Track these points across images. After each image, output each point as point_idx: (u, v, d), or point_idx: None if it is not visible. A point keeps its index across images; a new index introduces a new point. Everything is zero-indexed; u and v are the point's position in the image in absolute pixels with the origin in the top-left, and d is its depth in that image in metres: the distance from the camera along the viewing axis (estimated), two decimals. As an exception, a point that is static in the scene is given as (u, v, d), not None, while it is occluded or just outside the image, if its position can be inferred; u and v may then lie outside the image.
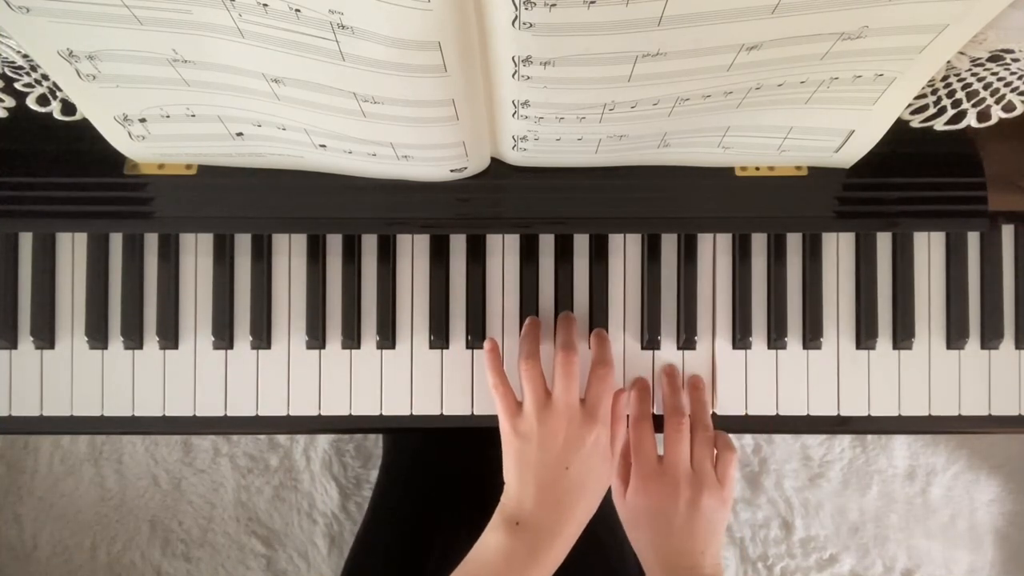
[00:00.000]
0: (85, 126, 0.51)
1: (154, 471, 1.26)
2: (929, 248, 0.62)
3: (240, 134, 0.51)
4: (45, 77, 0.51)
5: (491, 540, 0.53)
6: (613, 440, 0.57)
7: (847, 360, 0.62)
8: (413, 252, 0.62)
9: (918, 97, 0.53)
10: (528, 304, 0.61)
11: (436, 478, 0.82)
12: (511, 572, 0.51)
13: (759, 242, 0.62)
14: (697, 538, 0.56)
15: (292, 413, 0.61)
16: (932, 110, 0.54)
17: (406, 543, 0.75)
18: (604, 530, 0.73)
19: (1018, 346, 0.62)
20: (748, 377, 0.62)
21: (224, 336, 0.61)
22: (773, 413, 0.62)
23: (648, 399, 0.61)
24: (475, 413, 0.62)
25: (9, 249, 0.61)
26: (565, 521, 0.53)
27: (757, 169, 0.57)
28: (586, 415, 0.55)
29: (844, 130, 0.52)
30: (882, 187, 0.57)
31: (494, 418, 0.62)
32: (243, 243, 0.62)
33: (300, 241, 0.62)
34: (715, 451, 0.60)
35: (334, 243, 0.62)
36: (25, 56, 0.49)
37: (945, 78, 0.52)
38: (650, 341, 0.62)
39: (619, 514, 0.60)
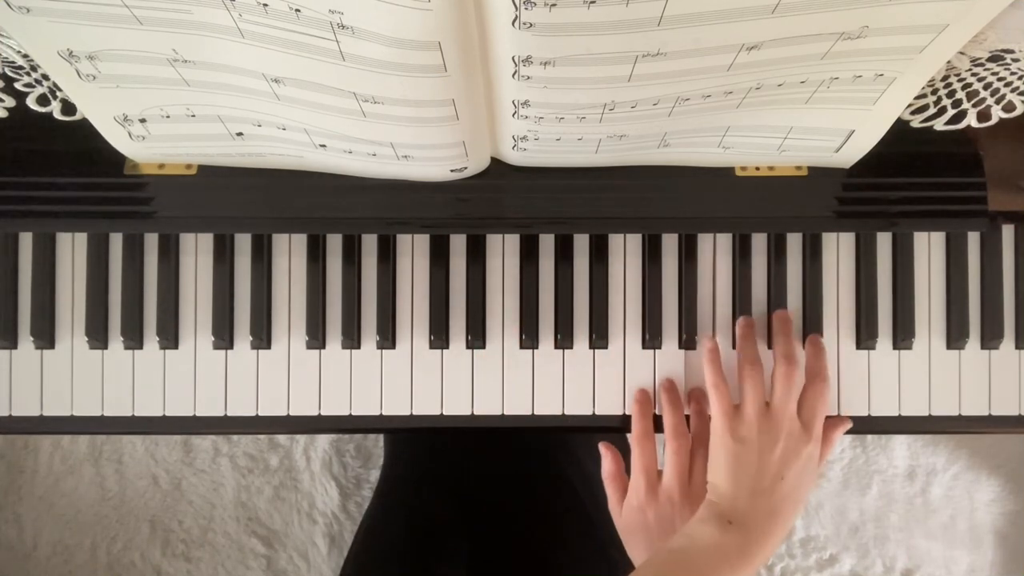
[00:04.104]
0: (85, 126, 0.51)
1: (154, 471, 1.26)
2: (929, 248, 0.62)
3: (240, 134, 0.51)
4: (45, 77, 0.51)
5: (703, 533, 0.53)
6: (821, 458, 0.58)
7: (847, 360, 0.62)
8: (413, 252, 0.62)
9: (918, 97, 0.53)
10: (528, 304, 0.61)
11: (437, 479, 0.82)
12: (724, 566, 0.51)
13: (759, 242, 0.62)
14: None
15: (292, 413, 0.61)
16: (932, 110, 0.54)
17: (408, 544, 0.75)
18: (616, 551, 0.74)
19: (1018, 346, 0.62)
20: (748, 377, 0.62)
21: (224, 336, 0.61)
22: (773, 413, 0.62)
23: (650, 416, 0.61)
24: (475, 413, 0.62)
25: (9, 249, 0.61)
26: (775, 527, 0.54)
27: (757, 169, 0.57)
28: (803, 429, 0.56)
29: (844, 130, 0.52)
30: (882, 187, 0.57)
31: (494, 419, 0.62)
32: (243, 243, 0.62)
33: (300, 241, 0.62)
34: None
35: (334, 243, 0.62)
36: (25, 56, 0.49)
37: (945, 78, 0.52)
38: (651, 341, 0.62)
39: (616, 526, 0.61)
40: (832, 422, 0.59)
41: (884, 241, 0.62)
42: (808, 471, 0.56)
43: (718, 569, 0.51)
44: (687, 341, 0.62)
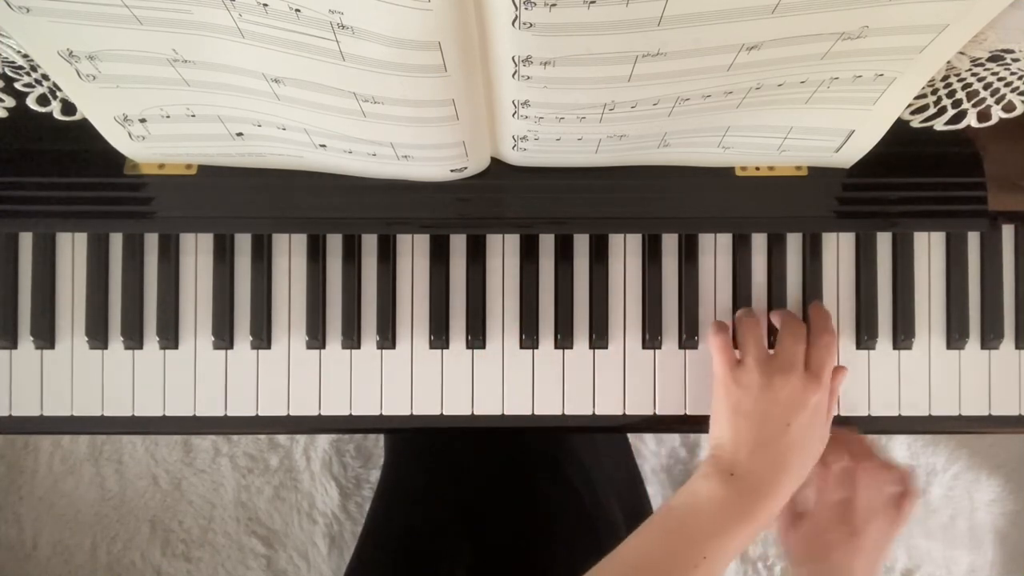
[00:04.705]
0: (85, 126, 0.51)
1: (154, 471, 1.26)
2: (929, 248, 0.62)
3: (240, 134, 0.51)
4: (45, 77, 0.51)
5: (702, 488, 0.50)
6: (828, 411, 0.55)
7: (847, 360, 0.62)
8: (413, 252, 0.62)
9: (918, 97, 0.53)
10: (528, 304, 0.61)
11: (437, 479, 0.82)
12: (725, 522, 0.49)
13: (759, 242, 0.62)
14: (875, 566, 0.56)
15: (292, 413, 0.61)
16: (932, 110, 0.54)
17: (409, 545, 0.75)
18: (590, 499, 0.74)
19: (1018, 346, 0.62)
20: (748, 377, 0.62)
21: (224, 336, 0.61)
22: (773, 413, 0.62)
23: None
24: (475, 413, 0.62)
25: (9, 249, 0.61)
26: (780, 480, 0.50)
27: (757, 169, 0.57)
28: (810, 376, 0.53)
29: (844, 130, 0.52)
30: (882, 187, 0.57)
31: (494, 419, 0.62)
32: (243, 243, 0.62)
33: (300, 241, 0.62)
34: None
35: (334, 243, 0.62)
36: (25, 56, 0.49)
37: (945, 78, 0.52)
38: (651, 341, 0.62)
39: (784, 547, 0.58)
40: (832, 372, 0.57)
41: (884, 241, 0.62)
42: (818, 423, 0.53)
43: (720, 525, 0.48)
44: (687, 341, 0.62)
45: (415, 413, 0.62)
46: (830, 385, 0.56)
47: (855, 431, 0.61)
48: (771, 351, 0.57)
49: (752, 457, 0.51)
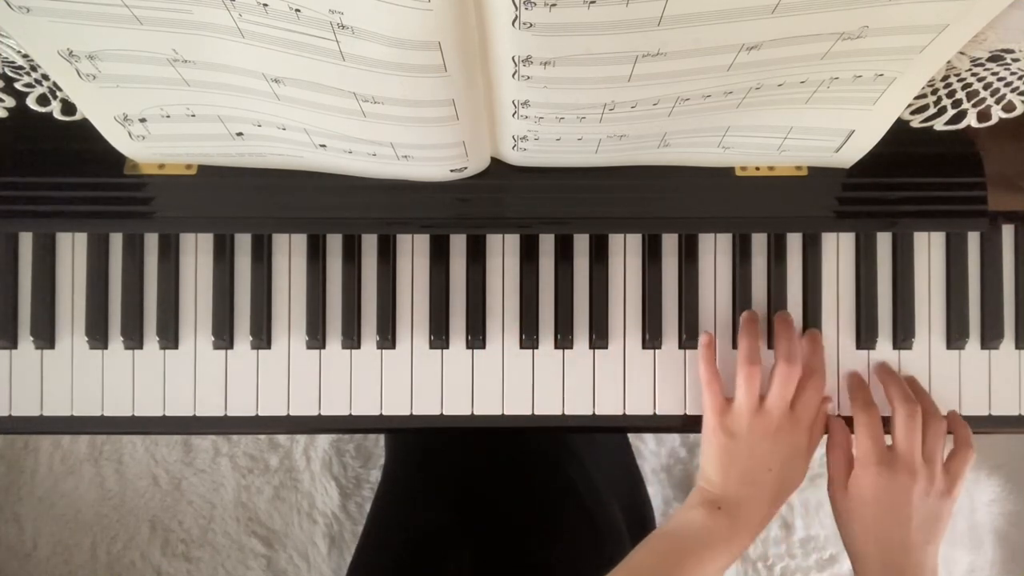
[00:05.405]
0: (85, 126, 0.51)
1: (154, 471, 1.26)
2: (929, 248, 0.62)
3: (240, 134, 0.51)
4: (45, 77, 0.51)
5: (694, 517, 0.56)
6: (809, 446, 0.59)
7: (848, 360, 0.62)
8: (413, 252, 0.62)
9: (918, 97, 0.53)
10: (528, 304, 0.61)
11: (438, 479, 0.82)
12: (712, 548, 0.55)
13: (759, 242, 0.62)
14: (923, 531, 0.56)
15: (292, 413, 0.61)
16: (932, 110, 0.54)
17: (411, 545, 0.75)
18: (592, 501, 0.74)
19: (1018, 346, 0.62)
20: (748, 377, 0.62)
21: (224, 336, 0.61)
22: (773, 413, 0.62)
23: (867, 387, 0.61)
24: (475, 413, 0.62)
25: (9, 249, 0.61)
26: (762, 515, 0.57)
27: (757, 169, 0.57)
28: (794, 421, 0.57)
29: (844, 130, 0.52)
30: (882, 187, 0.57)
31: (494, 419, 0.62)
32: (243, 243, 0.62)
33: (300, 241, 0.62)
34: (948, 445, 0.60)
35: (334, 243, 0.62)
36: (25, 56, 0.49)
37: (945, 78, 0.52)
38: (651, 341, 0.62)
39: (833, 505, 0.60)
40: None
41: (884, 241, 0.62)
42: (797, 461, 0.58)
43: (706, 550, 0.55)
44: (687, 341, 0.62)
45: (415, 413, 0.62)
46: (814, 429, 0.59)
47: (914, 381, 0.62)
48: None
49: (737, 495, 0.57)
